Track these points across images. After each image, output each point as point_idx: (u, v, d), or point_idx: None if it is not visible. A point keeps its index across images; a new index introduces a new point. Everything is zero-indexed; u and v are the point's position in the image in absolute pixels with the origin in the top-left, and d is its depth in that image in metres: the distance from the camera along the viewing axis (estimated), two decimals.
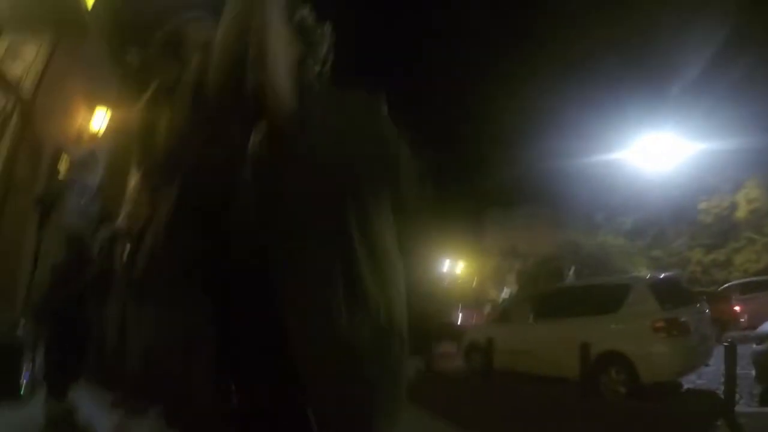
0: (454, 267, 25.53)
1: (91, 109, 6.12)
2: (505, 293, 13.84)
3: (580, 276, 14.52)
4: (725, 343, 4.95)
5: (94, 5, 5.31)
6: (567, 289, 8.71)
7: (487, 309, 11.94)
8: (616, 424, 4.79)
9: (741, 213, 15.32)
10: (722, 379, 4.89)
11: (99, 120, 6.24)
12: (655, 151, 12.20)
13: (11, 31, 4.82)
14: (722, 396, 4.75)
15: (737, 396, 4.74)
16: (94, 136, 6.20)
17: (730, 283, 12.70)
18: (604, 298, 6.63)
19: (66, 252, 3.40)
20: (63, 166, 5.33)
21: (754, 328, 7.06)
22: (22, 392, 3.91)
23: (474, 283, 22.17)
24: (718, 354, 5.41)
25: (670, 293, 6.00)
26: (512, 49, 25.66)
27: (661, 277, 6.95)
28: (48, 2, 4.70)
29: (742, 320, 10.27)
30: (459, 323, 11.77)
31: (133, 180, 1.40)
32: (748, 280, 12.76)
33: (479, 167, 24.70)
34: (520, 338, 7.69)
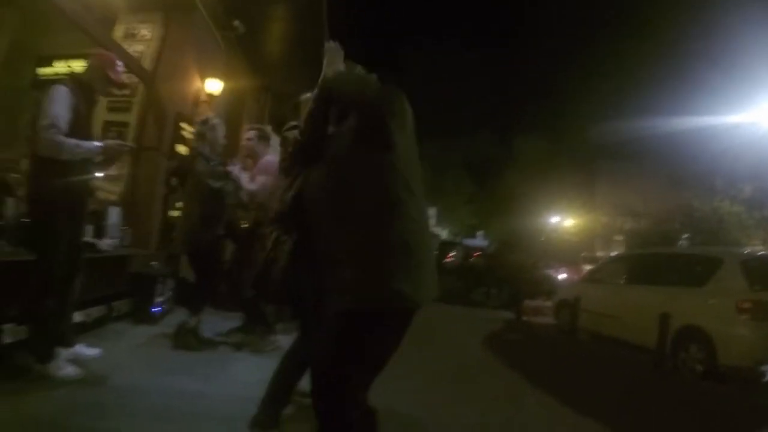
0: (562, 222, 24.56)
1: (204, 77, 6.96)
2: (613, 254, 13.17)
3: (693, 244, 13.32)
4: None
5: None
6: (660, 254, 8.10)
7: (589, 267, 11.54)
8: (688, 401, 4.67)
9: None
10: None
11: (212, 86, 7.12)
12: None
13: (127, 15, 5.65)
14: None
15: None
16: (209, 102, 7.09)
17: None
18: (694, 269, 6.31)
19: (209, 204, 4.14)
20: (185, 129, 6.22)
21: None
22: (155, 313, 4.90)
23: (579, 240, 21.22)
24: None
25: (763, 274, 5.46)
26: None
27: (758, 254, 6.40)
28: None
29: None
30: (557, 279, 11.57)
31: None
32: None
33: (593, 118, 22.80)
34: (607, 300, 7.54)
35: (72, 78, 3.07)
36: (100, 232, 4.73)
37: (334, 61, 2.00)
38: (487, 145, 29.58)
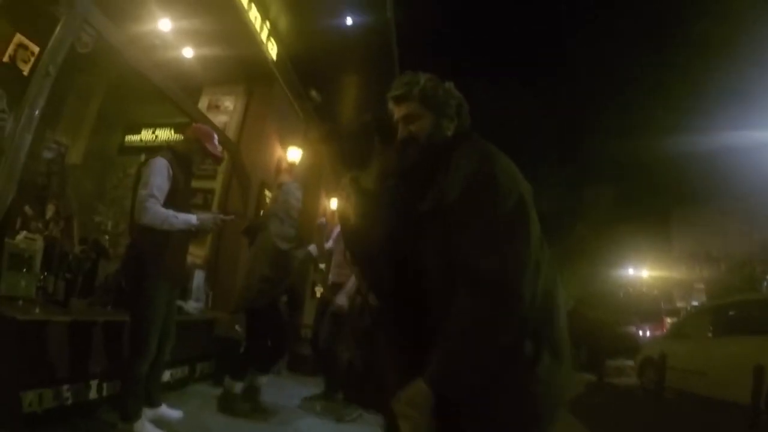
0: (638, 273, 22.65)
1: (285, 146, 7.31)
2: (695, 303, 11.88)
3: None
4: None
5: (277, 57, 6.36)
6: (750, 301, 7.30)
7: (670, 321, 10.41)
8: None
9: None
10: None
11: (292, 154, 7.45)
12: None
13: (211, 88, 6.12)
14: None
15: None
16: (290, 169, 7.39)
17: None
18: None
19: (273, 266, 4.14)
20: (268, 196, 6.47)
21: None
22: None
23: (659, 292, 19.36)
24: None
25: None
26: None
27: None
28: (239, 62, 5.79)
29: None
30: (639, 335, 10.50)
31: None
32: None
33: (663, 162, 21.58)
34: (694, 355, 6.98)
35: (171, 150, 3.21)
36: (185, 294, 4.88)
37: None
38: (555, 198, 28.59)
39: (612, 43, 39.34)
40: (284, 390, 4.96)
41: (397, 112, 1.60)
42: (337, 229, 4.74)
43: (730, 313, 7.15)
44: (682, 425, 5.78)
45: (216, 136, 3.43)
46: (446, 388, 1.28)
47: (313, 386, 4.81)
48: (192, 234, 3.25)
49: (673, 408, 6.84)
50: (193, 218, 3.11)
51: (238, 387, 3.99)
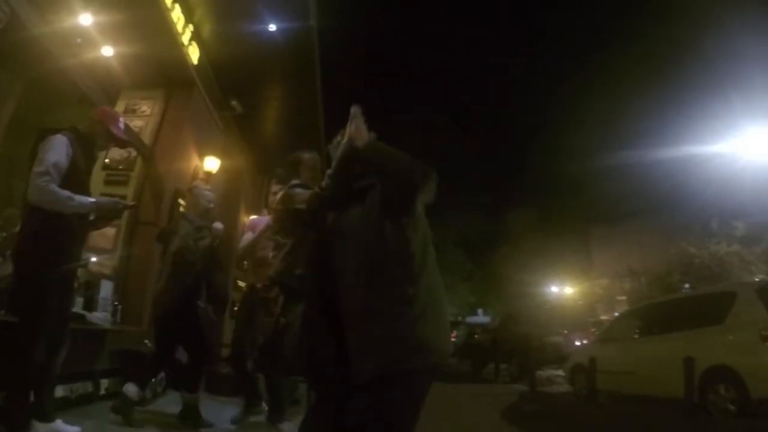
0: (562, 291, 24.23)
1: (203, 155, 7.05)
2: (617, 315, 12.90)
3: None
4: None
5: (199, 62, 6.19)
6: (671, 301, 7.88)
7: (595, 330, 11.18)
8: None
9: None
10: None
11: (210, 163, 7.19)
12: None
13: (129, 91, 5.83)
14: None
15: None
16: (207, 178, 7.12)
17: None
18: (708, 308, 6.11)
19: (173, 274, 3.91)
20: (181, 204, 6.17)
21: None
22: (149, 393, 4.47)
23: (583, 306, 20.83)
24: None
25: None
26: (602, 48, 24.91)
27: None
28: (158, 64, 5.59)
29: None
30: (566, 346, 11.13)
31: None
32: None
33: (581, 183, 23.55)
34: (624, 357, 7.23)
35: (72, 129, 2.97)
36: (90, 305, 4.49)
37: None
38: (480, 222, 30.01)
39: (531, 67, 42.36)
40: (204, 409, 4.68)
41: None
42: (258, 220, 4.60)
43: (655, 313, 7.46)
44: (618, 425, 5.92)
45: (122, 120, 3.27)
46: None
47: (234, 406, 4.61)
48: (90, 222, 3.03)
49: (607, 410, 6.98)
50: (89, 200, 2.89)
51: (134, 393, 3.69)
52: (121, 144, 3.41)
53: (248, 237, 4.38)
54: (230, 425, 4.20)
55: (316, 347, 1.96)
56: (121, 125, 3.28)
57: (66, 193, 2.73)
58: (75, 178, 2.85)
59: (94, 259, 5.05)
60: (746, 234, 13.59)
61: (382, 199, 1.75)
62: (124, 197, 5.55)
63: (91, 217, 3.05)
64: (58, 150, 2.78)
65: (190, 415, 3.92)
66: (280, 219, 2.20)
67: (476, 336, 14.10)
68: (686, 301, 7.44)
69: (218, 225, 4.24)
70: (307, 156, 3.00)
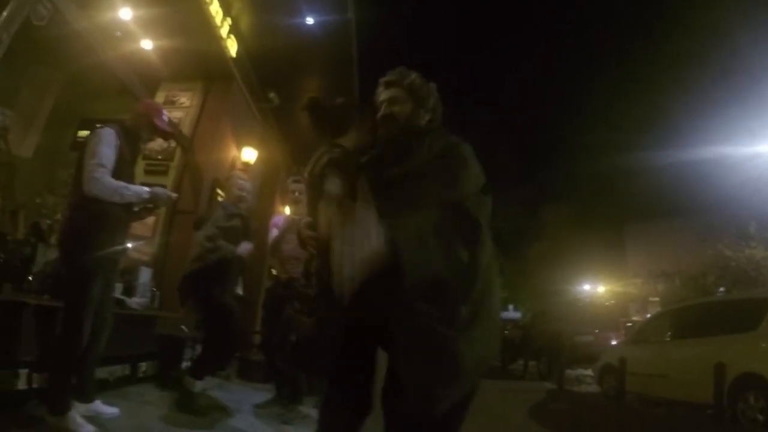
0: (595, 289, 23.61)
1: (240, 146, 7.19)
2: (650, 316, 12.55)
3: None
4: None
5: (237, 55, 6.29)
6: (706, 304, 7.61)
7: (627, 330, 10.86)
8: None
9: None
10: None
11: (248, 154, 7.33)
12: None
13: (168, 83, 5.98)
14: None
15: None
16: (245, 169, 7.26)
17: None
18: (742, 313, 5.89)
19: (196, 259, 4.01)
20: (220, 194, 6.32)
21: None
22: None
23: (615, 306, 20.26)
24: None
25: None
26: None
27: None
28: (197, 57, 5.70)
29: None
30: (597, 346, 10.88)
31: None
32: None
33: (616, 181, 22.79)
34: (654, 359, 7.07)
35: (118, 122, 3.07)
36: (129, 291, 4.67)
37: None
38: (514, 216, 29.48)
39: (567, 63, 41.22)
40: (233, 395, 4.82)
41: (384, 94, 1.89)
42: (279, 219, 4.68)
43: (688, 316, 7.29)
44: (645, 427, 5.85)
45: (165, 113, 3.34)
46: None
47: (266, 393, 4.71)
48: (134, 213, 3.11)
49: (635, 411, 6.91)
50: (145, 190, 2.99)
51: (197, 386, 3.83)
52: (166, 136, 3.49)
53: (273, 234, 4.47)
54: (255, 408, 4.30)
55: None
56: (165, 118, 3.36)
57: (122, 183, 2.83)
58: (122, 169, 2.93)
59: (131, 245, 5.29)
60: None
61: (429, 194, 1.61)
62: (164, 187, 5.79)
63: (136, 208, 3.12)
64: (107, 142, 2.86)
65: (186, 401, 3.81)
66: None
67: (506, 332, 13.95)
68: (720, 305, 7.21)
69: (246, 247, 4.23)
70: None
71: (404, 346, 1.52)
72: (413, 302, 1.46)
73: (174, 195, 3.42)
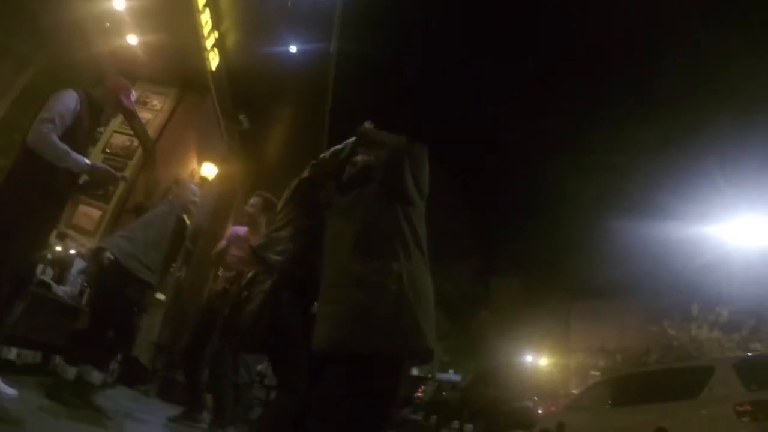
0: (537, 360, 23.89)
1: (201, 160, 7.13)
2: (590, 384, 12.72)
3: None
4: None
5: (216, 70, 6.38)
6: (648, 372, 7.77)
7: (566, 400, 10.94)
8: None
9: None
10: None
11: (207, 169, 7.26)
12: (753, 231, 11.15)
13: (144, 83, 5.97)
14: None
15: None
16: (201, 183, 7.16)
17: None
18: (685, 381, 5.97)
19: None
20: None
21: None
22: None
23: (556, 377, 20.50)
24: None
25: (757, 374, 5.24)
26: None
27: (749, 356, 6.28)
28: (177, 62, 5.76)
29: None
30: (535, 412, 10.87)
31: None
32: None
33: (566, 257, 23.83)
34: (593, 426, 7.04)
35: (84, 91, 3.01)
36: (60, 279, 4.40)
37: None
38: (463, 284, 29.93)
39: (524, 138, 43.45)
40: (149, 408, 4.52)
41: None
42: (238, 229, 4.68)
43: (629, 383, 7.30)
44: None
45: (134, 94, 3.35)
46: None
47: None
48: (78, 185, 3.02)
49: None
50: (85, 161, 2.89)
51: (97, 378, 3.55)
52: (129, 115, 3.47)
53: (222, 244, 4.55)
54: (167, 422, 4.05)
55: (280, 320, 1.96)
56: (133, 98, 3.37)
57: (64, 146, 2.73)
58: (75, 136, 2.86)
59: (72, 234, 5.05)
60: (728, 321, 13.64)
61: (379, 181, 1.82)
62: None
63: (81, 180, 3.05)
64: (66, 103, 2.81)
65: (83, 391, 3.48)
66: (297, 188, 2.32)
67: (444, 393, 13.77)
68: (663, 373, 7.23)
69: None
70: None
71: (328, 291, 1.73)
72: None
73: (119, 175, 3.32)
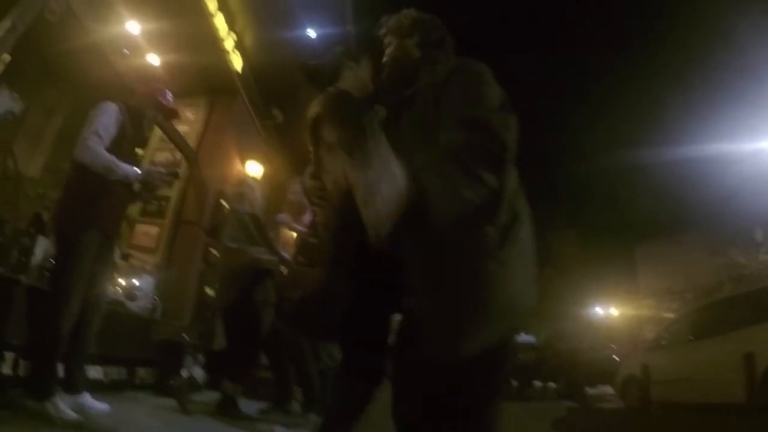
0: (607, 311, 23.08)
1: (244, 160, 7.27)
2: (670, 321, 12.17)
3: None
4: None
5: (242, 71, 6.43)
6: (727, 299, 7.23)
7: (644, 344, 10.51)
8: None
9: None
10: None
11: (251, 168, 7.40)
12: None
13: (173, 97, 6.09)
14: None
15: None
16: (248, 180, 7.31)
17: None
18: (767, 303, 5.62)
19: (228, 265, 3.96)
20: (224, 206, 6.35)
21: None
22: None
23: (629, 327, 19.73)
24: None
25: None
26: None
27: None
28: (202, 71, 5.84)
29: None
30: (615, 360, 10.52)
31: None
32: None
33: (620, 201, 22.65)
34: (678, 363, 6.70)
35: (123, 101, 3.01)
36: (130, 297, 4.64)
37: None
38: None
39: (567, 66, 41.37)
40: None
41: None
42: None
43: (708, 314, 7.02)
44: None
45: (169, 93, 3.28)
46: None
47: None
48: (132, 193, 3.00)
49: (662, 422, 6.55)
50: (135, 169, 2.89)
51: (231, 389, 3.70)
52: (171, 114, 3.44)
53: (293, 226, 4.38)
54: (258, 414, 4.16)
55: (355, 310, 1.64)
56: (169, 97, 3.30)
57: (112, 157, 2.75)
58: (122, 146, 2.87)
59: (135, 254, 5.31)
60: None
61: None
62: (168, 198, 5.86)
63: (136, 188, 3.01)
64: (108, 114, 2.82)
65: (228, 406, 3.71)
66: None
67: (520, 356, 13.63)
68: (742, 298, 6.77)
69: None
70: None
71: (427, 277, 1.37)
72: (438, 231, 1.31)
73: (173, 172, 3.32)
